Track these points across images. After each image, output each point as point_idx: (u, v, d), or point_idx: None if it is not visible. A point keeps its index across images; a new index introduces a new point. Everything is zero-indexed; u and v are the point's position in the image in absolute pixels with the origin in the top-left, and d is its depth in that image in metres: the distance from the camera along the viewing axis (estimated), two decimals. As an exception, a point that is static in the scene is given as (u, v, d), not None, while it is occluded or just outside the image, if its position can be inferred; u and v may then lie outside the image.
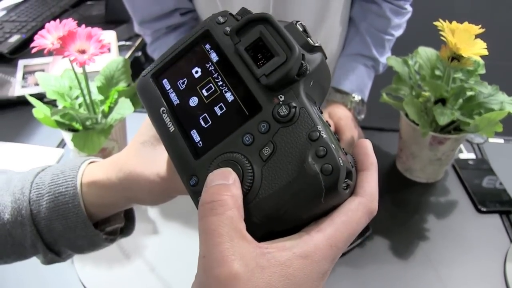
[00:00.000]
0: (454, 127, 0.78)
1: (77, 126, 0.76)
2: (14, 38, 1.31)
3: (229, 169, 0.28)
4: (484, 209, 0.80)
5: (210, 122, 0.30)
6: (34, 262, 0.46)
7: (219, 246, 0.25)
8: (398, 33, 0.95)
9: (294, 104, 0.28)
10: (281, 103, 0.28)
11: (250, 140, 0.28)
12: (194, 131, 0.31)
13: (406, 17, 0.94)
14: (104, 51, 0.67)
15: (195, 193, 0.30)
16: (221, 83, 0.31)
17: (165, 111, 0.32)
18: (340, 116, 0.87)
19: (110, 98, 0.77)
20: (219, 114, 0.30)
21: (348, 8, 0.96)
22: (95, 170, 0.43)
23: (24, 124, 1.01)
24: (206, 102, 0.31)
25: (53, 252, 0.44)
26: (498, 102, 0.73)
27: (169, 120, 0.32)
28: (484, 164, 0.90)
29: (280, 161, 0.27)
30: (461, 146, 0.94)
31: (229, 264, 0.24)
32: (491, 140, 0.97)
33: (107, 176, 0.41)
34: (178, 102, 0.32)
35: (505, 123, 0.74)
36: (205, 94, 0.31)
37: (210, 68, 0.31)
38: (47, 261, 0.44)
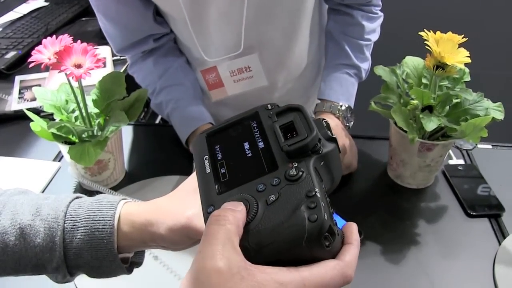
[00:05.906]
0: (442, 134, 0.80)
1: (74, 138, 0.78)
2: (11, 54, 1.33)
3: (241, 202, 0.35)
4: (473, 213, 0.81)
5: (238, 172, 0.39)
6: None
7: (213, 246, 0.31)
8: (374, 37, 1.00)
9: (302, 170, 0.36)
10: (293, 167, 0.36)
11: (263, 188, 0.36)
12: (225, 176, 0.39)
13: (378, 22, 1.00)
14: (100, 65, 0.69)
15: None
16: (254, 147, 0.40)
17: (207, 158, 0.41)
18: None
19: (105, 111, 0.79)
20: (246, 167, 0.39)
21: (317, 21, 1.01)
22: (132, 210, 0.49)
23: (20, 138, 1.03)
24: (240, 158, 0.40)
25: (70, 274, 0.48)
26: (483, 109, 0.75)
27: (208, 165, 0.41)
28: (473, 170, 0.92)
29: (280, 206, 0.34)
30: (451, 152, 0.97)
31: (216, 261, 0.30)
32: (479, 146, 0.99)
33: (145, 217, 0.48)
34: (220, 155, 0.41)
35: (493, 129, 0.76)
36: (241, 153, 0.41)
37: (250, 137, 0.41)
38: (62, 282, 0.49)
